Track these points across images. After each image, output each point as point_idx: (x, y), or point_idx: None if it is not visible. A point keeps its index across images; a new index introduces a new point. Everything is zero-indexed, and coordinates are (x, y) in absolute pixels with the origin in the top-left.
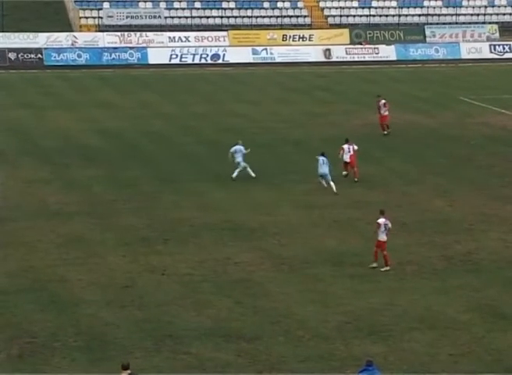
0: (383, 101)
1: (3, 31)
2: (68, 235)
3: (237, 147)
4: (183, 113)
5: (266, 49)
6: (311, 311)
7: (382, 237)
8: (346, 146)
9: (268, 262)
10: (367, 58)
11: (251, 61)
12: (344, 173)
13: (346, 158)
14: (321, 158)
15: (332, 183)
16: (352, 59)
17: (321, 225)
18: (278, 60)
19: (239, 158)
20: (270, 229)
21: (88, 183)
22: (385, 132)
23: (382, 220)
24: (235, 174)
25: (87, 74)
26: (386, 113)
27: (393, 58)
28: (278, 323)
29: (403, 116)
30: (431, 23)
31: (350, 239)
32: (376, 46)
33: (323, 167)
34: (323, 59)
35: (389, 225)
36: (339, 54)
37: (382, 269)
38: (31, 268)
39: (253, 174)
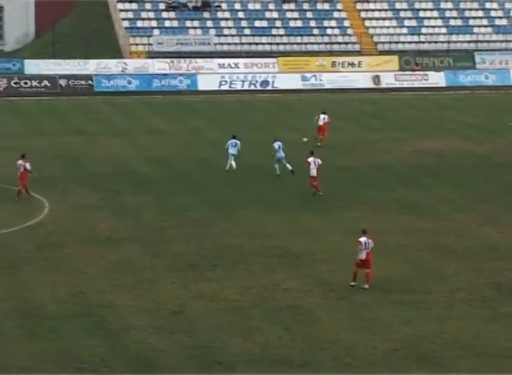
0: (322, 116)
1: (54, 58)
2: (117, 261)
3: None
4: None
5: (315, 76)
6: (360, 338)
7: (362, 256)
8: (311, 159)
9: (317, 288)
10: (416, 85)
11: (300, 87)
12: (314, 191)
13: (313, 172)
14: (277, 144)
15: (288, 165)
16: (401, 86)
17: None
18: (327, 86)
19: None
20: (318, 255)
21: (138, 210)
22: (319, 143)
23: (363, 239)
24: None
25: (136, 100)
26: (320, 124)
27: (443, 84)
28: (326, 350)
29: (453, 142)
30: (480, 50)
31: (398, 266)
32: (426, 72)
33: (280, 152)
34: (372, 86)
35: (371, 244)
36: (388, 80)
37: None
38: (80, 294)
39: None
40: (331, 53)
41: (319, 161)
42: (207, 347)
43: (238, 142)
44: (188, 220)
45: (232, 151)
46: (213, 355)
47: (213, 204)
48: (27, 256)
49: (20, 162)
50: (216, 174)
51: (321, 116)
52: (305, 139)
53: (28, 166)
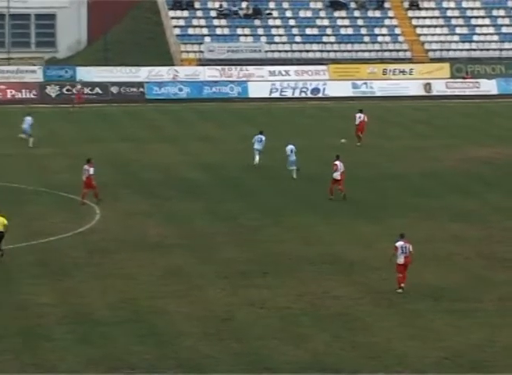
0: (358, 115)
1: (106, 65)
2: (167, 267)
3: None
4: (282, 147)
5: (366, 83)
6: (411, 346)
7: (400, 261)
8: (338, 162)
9: (368, 296)
10: (467, 93)
11: (351, 95)
12: (331, 197)
13: (337, 175)
14: (289, 148)
15: (294, 171)
16: (452, 93)
17: (420, 260)
18: (378, 94)
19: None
20: (370, 263)
21: (188, 216)
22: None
23: (399, 244)
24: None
25: (187, 108)
26: (356, 123)
27: (494, 92)
28: (377, 358)
29: (505, 150)
30: None
31: (449, 274)
32: (477, 80)
33: (292, 156)
34: (423, 93)
35: (410, 248)
36: (439, 88)
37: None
38: (131, 300)
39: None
40: (382, 60)
41: (343, 167)
42: (256, 353)
43: (263, 138)
44: (238, 227)
45: (257, 146)
46: (262, 361)
47: (264, 211)
48: (79, 262)
49: (86, 166)
50: (267, 181)
51: (357, 115)
52: (343, 140)
53: (92, 171)
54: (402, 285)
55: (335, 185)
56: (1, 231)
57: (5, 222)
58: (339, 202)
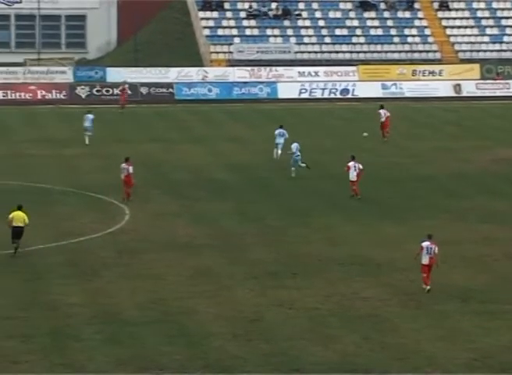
0: (382, 111)
1: (136, 66)
2: (196, 268)
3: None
4: (311, 148)
5: (396, 84)
6: (440, 347)
7: (425, 261)
8: (352, 164)
9: (396, 297)
10: (498, 94)
11: (381, 95)
12: (352, 193)
13: (353, 176)
14: (295, 145)
15: (302, 164)
16: (483, 94)
17: (449, 261)
18: (407, 95)
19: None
20: (398, 264)
21: (217, 217)
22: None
23: (425, 244)
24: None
25: (216, 108)
26: (383, 120)
27: None
28: (406, 359)
29: None
30: None
31: (478, 275)
32: (507, 81)
33: (297, 153)
34: (453, 94)
35: (435, 250)
36: (469, 89)
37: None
38: (160, 300)
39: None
40: (411, 61)
41: (360, 166)
42: (285, 354)
43: (285, 132)
44: (267, 228)
45: (279, 140)
46: (291, 362)
47: (292, 211)
48: (108, 262)
49: (124, 165)
50: (294, 181)
51: (381, 111)
52: (365, 134)
53: (131, 169)
54: (428, 284)
55: (354, 186)
56: (20, 226)
57: (26, 218)
58: (366, 203)
